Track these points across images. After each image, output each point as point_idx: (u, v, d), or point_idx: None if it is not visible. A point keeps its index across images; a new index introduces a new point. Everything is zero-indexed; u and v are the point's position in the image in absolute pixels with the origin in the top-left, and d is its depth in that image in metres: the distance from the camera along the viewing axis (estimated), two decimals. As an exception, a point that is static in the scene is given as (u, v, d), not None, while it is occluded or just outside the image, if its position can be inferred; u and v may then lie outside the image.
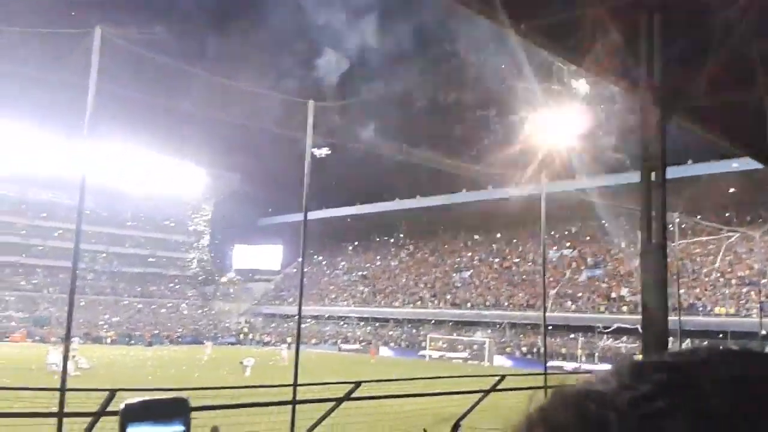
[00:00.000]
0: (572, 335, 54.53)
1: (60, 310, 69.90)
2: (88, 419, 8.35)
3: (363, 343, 68.26)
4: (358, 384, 9.05)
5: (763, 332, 40.81)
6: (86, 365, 36.67)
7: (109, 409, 8.14)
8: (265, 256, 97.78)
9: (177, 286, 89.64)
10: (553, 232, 65.20)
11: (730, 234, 50.73)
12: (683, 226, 50.94)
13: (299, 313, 11.87)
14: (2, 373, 31.87)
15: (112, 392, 8.27)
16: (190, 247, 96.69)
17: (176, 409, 1.46)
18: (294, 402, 10.99)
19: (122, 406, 1.36)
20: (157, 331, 71.09)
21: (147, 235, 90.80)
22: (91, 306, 74.45)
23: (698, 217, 44.81)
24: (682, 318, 30.66)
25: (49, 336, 59.89)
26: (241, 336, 75.57)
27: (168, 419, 1.41)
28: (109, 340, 64.50)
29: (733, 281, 51.09)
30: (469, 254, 76.97)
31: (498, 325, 60.65)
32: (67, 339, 9.93)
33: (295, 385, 11.60)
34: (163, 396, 1.55)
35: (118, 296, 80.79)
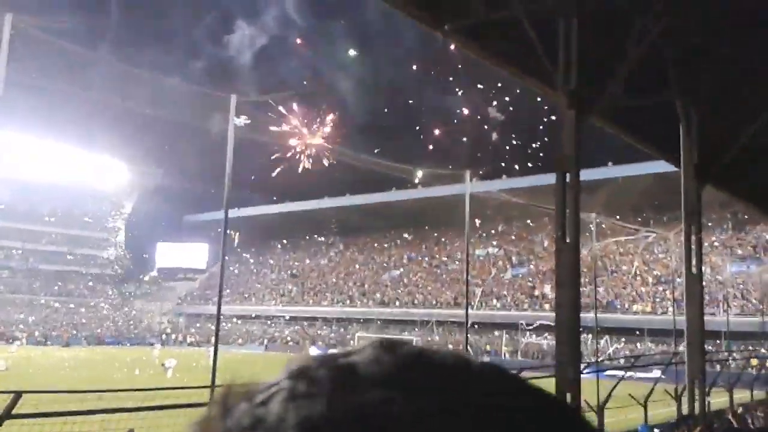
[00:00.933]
0: (497, 332, 55.64)
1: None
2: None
3: (290, 343, 67.69)
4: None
5: (678, 328, 42.70)
6: (2, 367, 35.05)
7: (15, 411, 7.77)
8: (189, 255, 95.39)
9: (96, 285, 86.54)
10: (480, 232, 66.42)
11: (647, 234, 52.89)
12: (603, 226, 52.78)
13: (218, 312, 11.63)
14: None
15: (18, 394, 7.89)
16: (110, 244, 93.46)
17: None
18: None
19: None
20: (75, 332, 68.41)
21: (65, 232, 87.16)
22: (6, 305, 71.05)
23: (617, 217, 46.51)
24: (600, 315, 31.72)
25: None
26: (164, 336, 73.58)
27: None
28: (24, 341, 61.64)
29: (650, 280, 53.26)
30: (399, 253, 77.46)
31: (426, 324, 61.25)
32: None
33: (213, 386, 11.35)
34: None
35: (34, 295, 77.34)
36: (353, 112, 78.75)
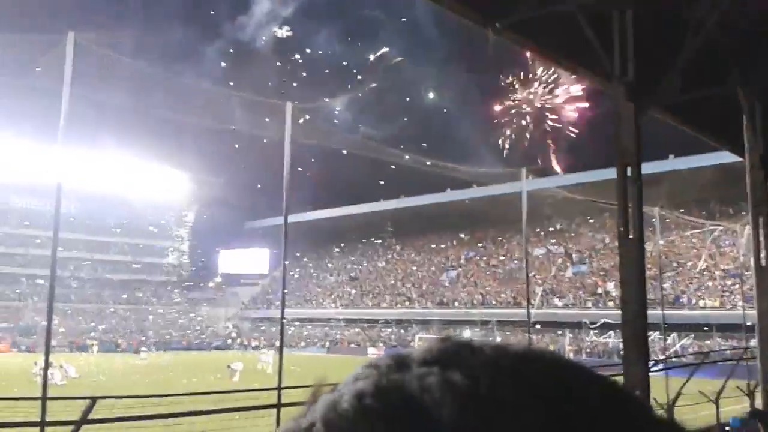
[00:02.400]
0: (560, 332, 54.77)
1: (45, 320, 69.29)
2: (70, 427, 8.31)
3: (351, 345, 68.20)
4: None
5: (748, 323, 41.14)
6: (74, 374, 36.37)
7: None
8: (251, 260, 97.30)
9: (162, 292, 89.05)
10: (538, 229, 65.53)
11: (713, 228, 51.17)
12: (667, 220, 51.34)
13: (282, 316, 11.84)
14: (-14, 385, 31.54)
15: (93, 400, 8.23)
16: (174, 252, 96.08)
17: None
18: (278, 405, 10.95)
19: None
20: (144, 338, 70.57)
21: (132, 242, 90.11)
22: (77, 314, 73.81)
23: (681, 211, 45.18)
24: (667, 312, 30.85)
25: (36, 346, 59.32)
26: (229, 341, 75.19)
27: None
28: (95, 348, 63.84)
29: (717, 274, 51.52)
30: (456, 253, 77.12)
31: (486, 324, 60.79)
32: (47, 348, 9.84)
33: (279, 388, 11.57)
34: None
35: (103, 303, 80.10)
36: (406, 112, 78.90)
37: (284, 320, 12.78)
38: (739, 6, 7.92)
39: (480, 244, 75.88)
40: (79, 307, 75.77)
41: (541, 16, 8.65)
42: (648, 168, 8.79)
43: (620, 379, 6.99)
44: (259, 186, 79.35)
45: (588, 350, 51.19)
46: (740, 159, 12.17)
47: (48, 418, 8.69)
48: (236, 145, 62.41)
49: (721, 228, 49.10)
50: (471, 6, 8.99)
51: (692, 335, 47.06)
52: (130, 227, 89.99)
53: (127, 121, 55.53)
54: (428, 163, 35.90)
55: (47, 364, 9.83)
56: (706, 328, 46.92)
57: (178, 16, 78.45)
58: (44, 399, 8.92)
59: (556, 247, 66.51)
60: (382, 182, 79.85)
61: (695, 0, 7.96)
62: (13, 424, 8.24)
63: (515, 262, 67.25)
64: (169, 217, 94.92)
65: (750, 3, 7.99)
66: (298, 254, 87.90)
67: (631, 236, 7.35)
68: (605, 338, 49.99)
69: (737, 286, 45.92)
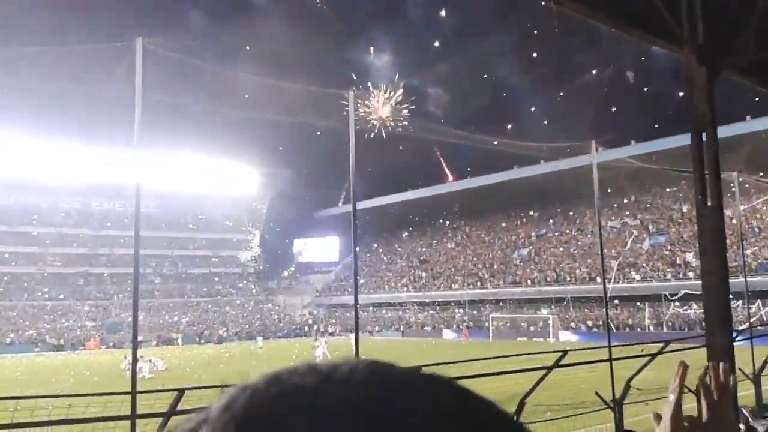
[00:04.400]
0: (639, 305, 53.44)
1: (131, 316, 72.37)
2: (160, 419, 8.67)
3: (426, 328, 68.47)
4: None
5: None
6: (162, 367, 37.88)
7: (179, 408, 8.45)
8: (323, 249, 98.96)
9: (241, 284, 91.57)
10: (611, 202, 63.90)
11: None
12: (746, 185, 49.15)
13: (356, 301, 12.00)
14: (79, 380, 33.27)
15: (180, 392, 8.57)
16: (250, 244, 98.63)
17: None
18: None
19: None
20: (225, 329, 72.81)
21: (208, 236, 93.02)
22: (161, 309, 76.81)
23: (761, 174, 43.14)
24: (751, 279, 29.64)
25: (123, 342, 62.17)
26: (306, 328, 76.76)
27: None
28: (180, 341, 66.34)
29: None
30: (526, 231, 76.13)
31: (561, 301, 59.87)
32: (134, 343, 10.30)
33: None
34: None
35: (185, 297, 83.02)
36: (467, 92, 78.11)
37: (358, 306, 12.96)
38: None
39: (551, 221, 74.62)
40: (163, 302, 78.79)
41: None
42: (724, 132, 8.47)
43: (703, 350, 6.81)
44: (325, 175, 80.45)
45: (669, 323, 49.78)
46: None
47: (139, 411, 9.08)
48: (302, 137, 63.32)
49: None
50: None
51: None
52: (206, 223, 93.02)
53: (197, 120, 57.23)
54: (495, 142, 35.47)
55: (135, 359, 10.28)
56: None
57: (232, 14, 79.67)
58: (134, 393, 9.31)
59: (631, 219, 64.68)
60: (448, 163, 79.49)
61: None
62: (105, 419, 8.65)
63: (588, 236, 65.87)
64: (242, 211, 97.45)
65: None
66: (367, 240, 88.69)
67: (709, 204, 7.11)
68: (686, 309, 48.48)
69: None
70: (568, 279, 61.45)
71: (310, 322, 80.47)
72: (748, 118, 49.81)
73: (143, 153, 10.72)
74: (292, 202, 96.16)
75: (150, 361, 36.07)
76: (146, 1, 66.06)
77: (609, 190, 53.23)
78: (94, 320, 72.18)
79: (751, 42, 7.55)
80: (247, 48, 66.97)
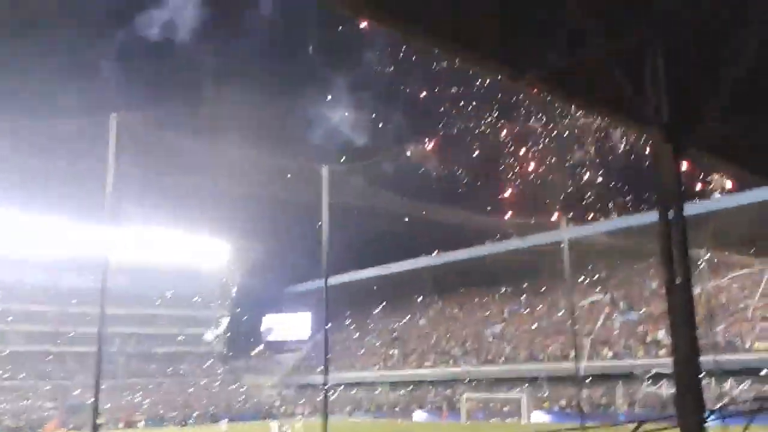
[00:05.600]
0: (612, 384, 53.03)
1: (92, 397, 69.69)
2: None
3: (397, 409, 66.95)
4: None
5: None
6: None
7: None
8: (293, 325, 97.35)
9: (207, 364, 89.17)
10: (582, 278, 64.34)
11: (763, 266, 49.69)
12: (714, 261, 50.02)
13: (325, 382, 11.69)
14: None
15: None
16: (217, 322, 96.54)
17: None
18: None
19: None
20: (189, 411, 70.42)
21: (175, 313, 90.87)
22: (124, 389, 74.13)
23: (727, 252, 44.10)
24: (722, 357, 29.69)
25: (83, 424, 59.57)
26: (274, 410, 74.53)
27: None
28: (142, 423, 64.00)
29: (772, 314, 49.63)
30: (498, 307, 75.96)
31: (535, 380, 59.20)
32: (94, 427, 9.85)
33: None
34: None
35: (149, 377, 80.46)
36: (442, 168, 79.38)
37: (324, 387, 12.58)
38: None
39: (522, 297, 74.64)
40: (126, 382, 76.15)
41: (571, 64, 8.67)
42: (691, 209, 8.60)
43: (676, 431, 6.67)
44: (297, 249, 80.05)
45: (642, 403, 49.33)
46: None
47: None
48: (274, 211, 63.29)
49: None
50: (501, 61, 9.05)
51: (749, 380, 45.05)
52: (174, 299, 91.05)
53: (168, 193, 57.02)
54: (465, 216, 35.83)
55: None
56: (763, 372, 44.86)
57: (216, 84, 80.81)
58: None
59: (601, 295, 64.96)
60: (419, 238, 79.77)
61: (732, 25, 7.90)
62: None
63: (560, 313, 65.89)
64: (211, 287, 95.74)
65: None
66: (339, 316, 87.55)
67: (678, 281, 7.15)
68: (659, 388, 48.20)
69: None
70: (541, 357, 61.00)
71: (277, 403, 78.22)
72: (716, 195, 51.14)
73: (113, 228, 10.55)
74: (262, 277, 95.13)
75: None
76: (119, 76, 66.67)
77: (579, 266, 53.66)
78: (55, 400, 69.33)
79: (718, 118, 7.79)
80: (222, 121, 67.67)
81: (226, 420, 58.65)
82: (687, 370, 6.78)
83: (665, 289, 7.16)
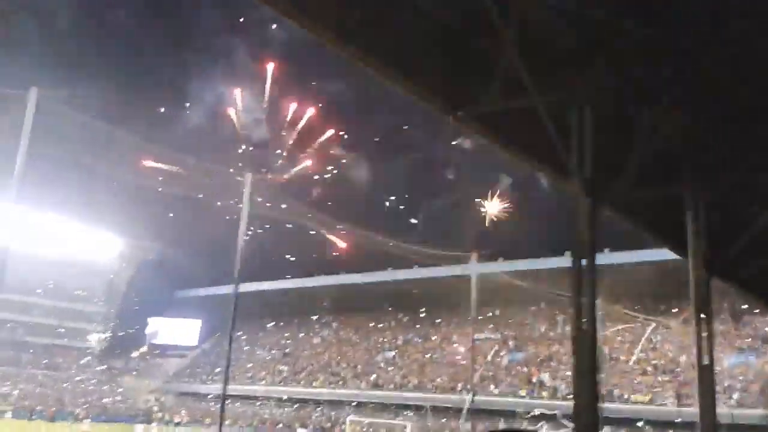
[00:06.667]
0: (494, 420, 54.27)
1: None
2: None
3: (280, 426, 65.87)
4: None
5: (678, 420, 41.90)
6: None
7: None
8: (181, 331, 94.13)
9: (84, 360, 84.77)
10: (477, 315, 65.87)
11: (646, 322, 52.57)
12: (600, 312, 52.32)
13: (224, 392, 11.38)
14: None
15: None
16: (100, 318, 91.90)
17: None
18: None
19: None
20: (61, 407, 66.73)
21: (56, 305, 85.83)
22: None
23: (618, 305, 46.42)
24: (603, 406, 31.09)
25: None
26: (151, 415, 71.60)
27: None
28: (9, 414, 60.41)
29: (649, 369, 52.47)
30: (393, 333, 76.46)
31: (420, 409, 59.81)
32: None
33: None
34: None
35: (21, 368, 75.72)
36: (357, 192, 79.52)
37: (209, 396, 12.24)
38: (691, 113, 8.42)
39: (417, 326, 75.48)
40: (-5, 370, 71.38)
41: (502, 110, 8.98)
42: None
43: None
44: (193, 254, 77.87)
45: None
46: (678, 257, 12.69)
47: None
48: (176, 211, 61.42)
49: (653, 325, 50.42)
50: (435, 94, 9.26)
51: (624, 430, 47.33)
52: (55, 289, 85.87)
53: (73, 179, 54.17)
54: (373, 240, 36.08)
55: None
56: (639, 424, 47.26)
57: (146, 73, 77.42)
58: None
59: (493, 334, 66.61)
60: (319, 257, 79.40)
61: (648, 103, 8.43)
62: None
63: (453, 346, 67.06)
64: (98, 282, 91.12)
65: (702, 111, 8.51)
66: (229, 327, 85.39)
67: (584, 327, 7.47)
68: (540, 428, 49.79)
69: (670, 383, 46.88)
70: (429, 387, 61.79)
71: (155, 408, 75.26)
72: (606, 250, 53.36)
73: (18, 208, 9.95)
74: (153, 278, 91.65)
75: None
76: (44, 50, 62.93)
77: (474, 302, 54.86)
78: None
79: (632, 179, 8.26)
80: (147, 110, 65.07)
81: (89, 420, 55.90)
82: (586, 415, 7.07)
83: (572, 335, 7.48)
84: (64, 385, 75.59)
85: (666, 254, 13.36)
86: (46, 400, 68.52)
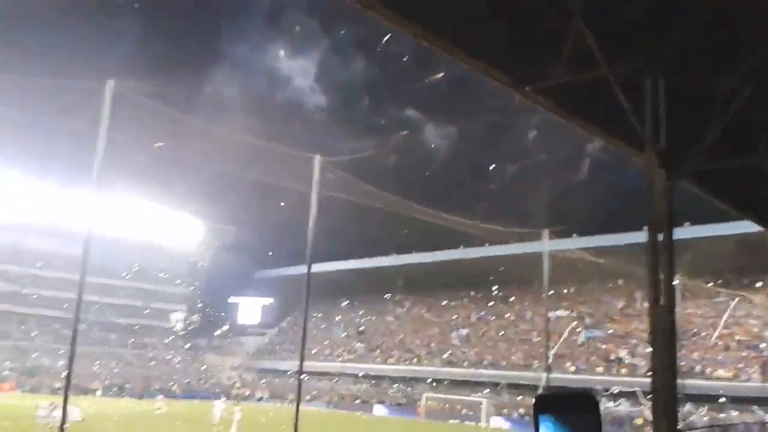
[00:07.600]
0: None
1: (51, 360, 68.84)
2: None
3: (357, 402, 67.07)
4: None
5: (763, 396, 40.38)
6: (78, 417, 35.77)
7: None
8: (260, 310, 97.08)
9: (170, 339, 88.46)
10: (551, 292, 64.95)
11: (729, 297, 50.61)
12: (681, 288, 50.76)
13: (300, 369, 11.71)
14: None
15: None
16: (184, 299, 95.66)
17: (585, 402, 1.58)
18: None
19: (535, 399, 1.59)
20: (148, 385, 69.84)
21: (142, 287, 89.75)
22: (82, 356, 73.22)
23: (699, 280, 44.87)
24: (684, 382, 30.28)
25: (40, 387, 58.97)
26: (233, 392, 74.16)
27: (577, 412, 1.56)
28: (99, 392, 63.40)
29: (732, 345, 50.64)
30: (467, 311, 76.39)
31: (496, 386, 59.72)
32: (66, 392, 9.79)
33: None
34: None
35: (110, 347, 79.62)
36: (425, 167, 79.49)
37: (288, 372, 12.63)
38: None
39: (490, 303, 75.11)
40: (85, 350, 75.24)
41: (573, 82, 8.76)
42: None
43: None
44: (271, 235, 79.67)
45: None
46: (760, 229, 12.15)
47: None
48: (257, 195, 62.83)
49: (737, 299, 48.50)
50: (502, 70, 9.11)
51: (706, 406, 45.96)
52: (140, 272, 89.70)
53: (155, 166, 56.23)
54: (445, 219, 35.97)
55: (65, 408, 9.76)
56: (722, 400, 45.79)
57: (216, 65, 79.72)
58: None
59: (569, 311, 65.56)
60: (393, 237, 79.92)
61: (725, 72, 8.07)
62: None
63: (527, 323, 66.49)
64: (180, 264, 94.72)
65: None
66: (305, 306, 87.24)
67: (662, 303, 7.29)
68: (617, 405, 48.93)
69: (754, 359, 45.14)
70: (504, 364, 61.54)
71: (237, 385, 77.92)
72: (686, 224, 51.52)
73: (99, 195, 10.47)
74: (233, 259, 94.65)
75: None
76: (124, 43, 65.37)
77: (551, 279, 54.10)
78: (12, 361, 68.35)
79: (709, 151, 7.95)
80: (221, 100, 66.87)
81: (162, 396, 58.05)
82: (664, 392, 6.92)
83: (649, 310, 7.31)
84: (151, 363, 79.04)
85: (748, 226, 12.79)
86: (134, 378, 71.84)
